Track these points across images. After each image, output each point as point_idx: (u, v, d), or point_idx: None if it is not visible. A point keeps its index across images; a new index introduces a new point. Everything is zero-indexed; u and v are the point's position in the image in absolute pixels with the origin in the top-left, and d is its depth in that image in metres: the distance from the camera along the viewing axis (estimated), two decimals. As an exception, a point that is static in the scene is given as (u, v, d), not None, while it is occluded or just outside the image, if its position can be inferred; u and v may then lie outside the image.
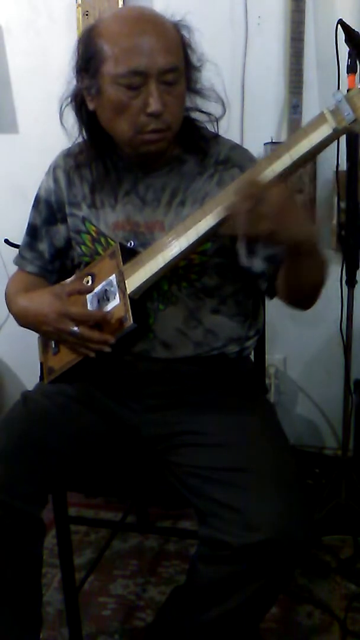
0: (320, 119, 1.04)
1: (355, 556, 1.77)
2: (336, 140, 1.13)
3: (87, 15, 2.00)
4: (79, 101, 1.23)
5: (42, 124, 2.13)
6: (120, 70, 1.13)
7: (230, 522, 1.07)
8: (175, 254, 1.15)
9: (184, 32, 1.19)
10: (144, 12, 1.20)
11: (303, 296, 1.22)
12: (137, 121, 1.16)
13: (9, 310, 1.35)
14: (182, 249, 1.14)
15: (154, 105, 1.13)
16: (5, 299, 1.37)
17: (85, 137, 1.28)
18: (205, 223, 1.12)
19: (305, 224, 1.07)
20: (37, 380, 1.41)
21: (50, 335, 1.24)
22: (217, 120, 1.28)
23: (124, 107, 1.15)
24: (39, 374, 1.39)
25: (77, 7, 2.01)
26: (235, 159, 1.26)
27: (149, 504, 1.90)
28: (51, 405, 1.29)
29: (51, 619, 1.61)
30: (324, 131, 1.03)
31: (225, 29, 1.98)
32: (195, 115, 1.27)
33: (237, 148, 1.30)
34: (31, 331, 1.29)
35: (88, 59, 1.17)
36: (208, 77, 1.24)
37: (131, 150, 1.21)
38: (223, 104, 1.26)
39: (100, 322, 1.17)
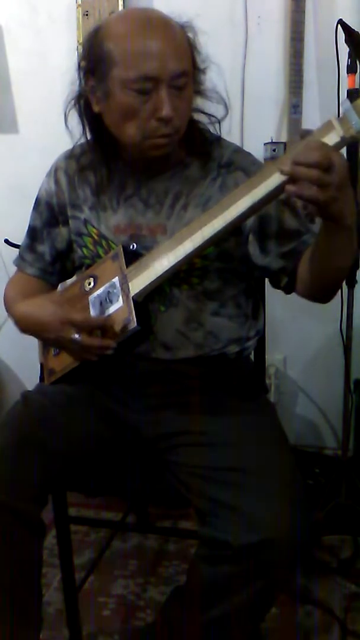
0: (327, 127, 1.04)
1: (355, 556, 1.77)
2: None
3: (87, 15, 2.00)
4: (83, 103, 1.22)
5: (42, 124, 2.13)
6: (132, 75, 1.12)
7: (231, 522, 1.07)
8: (181, 257, 1.15)
9: (190, 34, 1.18)
10: (151, 14, 1.18)
11: (329, 282, 1.16)
12: (146, 126, 1.15)
13: (9, 315, 1.35)
14: (188, 253, 1.14)
15: (165, 110, 1.12)
16: (5, 303, 1.37)
17: (90, 139, 1.28)
18: (211, 227, 1.12)
19: (352, 196, 1.02)
20: (37, 380, 1.41)
21: (51, 343, 1.25)
22: (219, 121, 1.28)
23: (134, 112, 1.14)
24: (39, 374, 1.39)
25: (77, 7, 2.01)
26: (239, 162, 1.25)
27: (149, 504, 1.90)
28: (51, 405, 1.29)
29: (51, 619, 1.61)
30: (331, 139, 1.03)
31: (225, 29, 1.98)
32: (197, 116, 1.27)
33: (240, 151, 1.30)
34: (31, 332, 1.28)
35: (95, 61, 1.16)
36: (209, 77, 1.23)
37: (137, 153, 1.21)
38: (225, 106, 1.26)
39: (102, 327, 1.17)
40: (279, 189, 1.07)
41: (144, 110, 1.14)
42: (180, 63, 1.13)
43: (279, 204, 1.20)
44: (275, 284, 1.24)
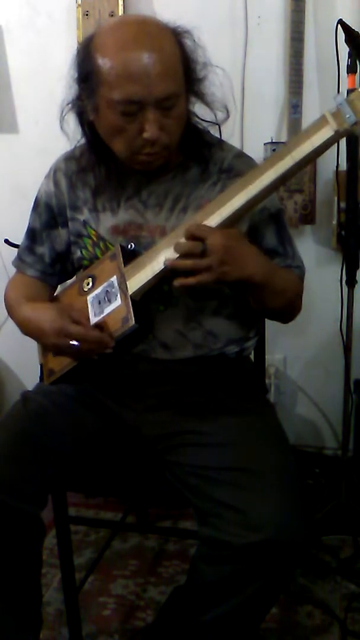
0: (321, 121, 1.05)
1: (355, 556, 1.77)
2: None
3: (87, 15, 2.00)
4: (79, 107, 1.22)
5: (42, 125, 2.13)
6: (116, 97, 1.11)
7: (231, 521, 1.07)
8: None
9: (188, 42, 1.16)
10: (142, 27, 1.14)
11: (270, 316, 1.33)
12: (133, 143, 1.15)
13: (11, 317, 1.35)
14: None
15: (150, 132, 1.12)
16: (6, 304, 1.37)
17: (87, 143, 1.28)
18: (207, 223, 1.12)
19: (248, 262, 1.12)
20: (37, 380, 1.41)
21: (50, 349, 1.25)
22: (219, 125, 1.27)
23: (119, 130, 1.15)
24: (39, 374, 1.39)
25: (77, 7, 2.01)
26: (239, 168, 1.25)
27: (149, 504, 1.90)
28: (51, 405, 1.29)
29: (51, 619, 1.61)
30: (325, 133, 1.05)
31: (225, 29, 1.98)
32: (198, 118, 1.26)
33: (242, 156, 1.30)
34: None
35: (85, 74, 1.15)
36: (211, 79, 1.22)
37: (128, 165, 1.22)
38: (227, 110, 1.25)
39: (101, 326, 1.17)
40: (273, 186, 1.11)
41: (130, 129, 1.14)
42: (167, 85, 1.11)
43: (268, 218, 1.23)
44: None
